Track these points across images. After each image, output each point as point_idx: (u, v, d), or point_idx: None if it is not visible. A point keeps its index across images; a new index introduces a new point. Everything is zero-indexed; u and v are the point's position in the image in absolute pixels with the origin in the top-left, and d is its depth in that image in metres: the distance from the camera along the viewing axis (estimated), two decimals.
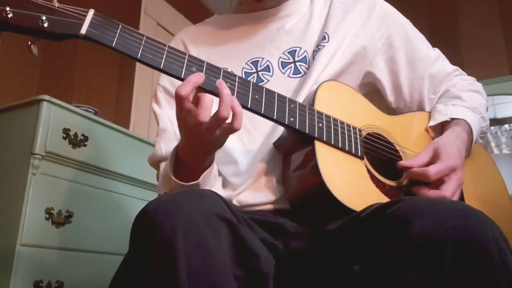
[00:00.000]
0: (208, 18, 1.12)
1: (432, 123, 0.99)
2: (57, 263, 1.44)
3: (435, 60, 1.04)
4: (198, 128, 0.71)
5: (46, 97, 1.47)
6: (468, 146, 0.93)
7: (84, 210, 1.54)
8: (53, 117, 1.48)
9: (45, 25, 0.65)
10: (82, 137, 1.56)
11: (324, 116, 0.83)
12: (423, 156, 0.87)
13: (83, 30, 0.67)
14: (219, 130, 0.72)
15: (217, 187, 0.90)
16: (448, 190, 0.82)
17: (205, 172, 0.81)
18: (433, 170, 0.82)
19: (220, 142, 0.77)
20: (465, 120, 0.95)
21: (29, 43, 0.67)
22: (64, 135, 1.51)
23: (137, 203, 1.73)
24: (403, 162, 0.87)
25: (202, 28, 1.08)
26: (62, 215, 1.47)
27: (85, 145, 1.57)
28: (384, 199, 0.82)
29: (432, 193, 0.83)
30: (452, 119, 0.96)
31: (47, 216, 1.43)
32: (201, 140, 0.75)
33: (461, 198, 0.94)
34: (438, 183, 0.84)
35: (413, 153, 0.94)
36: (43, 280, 1.39)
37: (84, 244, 1.53)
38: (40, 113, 1.45)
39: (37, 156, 1.42)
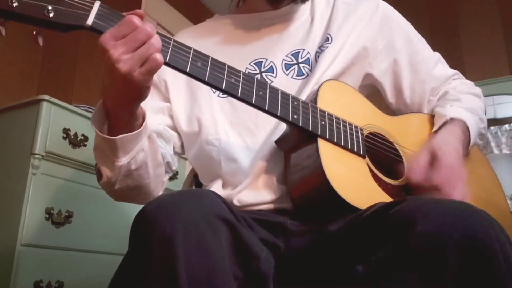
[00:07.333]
0: (209, 18, 1.11)
1: (435, 128, 0.99)
2: (57, 263, 1.44)
3: (436, 63, 1.05)
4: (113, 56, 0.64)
5: (46, 97, 1.47)
6: (464, 142, 0.94)
7: (84, 210, 1.54)
8: (53, 117, 1.48)
9: (51, 15, 0.63)
10: (82, 137, 1.56)
11: (326, 114, 0.83)
12: (422, 160, 0.86)
13: (89, 21, 0.66)
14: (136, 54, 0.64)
15: (216, 187, 0.90)
16: (451, 189, 0.82)
17: (129, 135, 0.74)
18: (435, 177, 0.83)
19: (140, 78, 0.66)
20: (461, 119, 0.96)
21: (35, 33, 0.66)
22: (64, 135, 1.51)
23: None
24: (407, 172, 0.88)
25: (204, 28, 1.08)
26: (62, 215, 1.47)
27: (85, 145, 1.57)
28: (386, 197, 0.83)
29: (435, 194, 0.82)
30: (451, 119, 0.96)
31: (47, 216, 1.43)
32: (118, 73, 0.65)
33: None
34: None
35: (412, 152, 0.94)
36: (43, 280, 1.39)
37: (84, 244, 1.53)
38: (40, 113, 1.45)
39: (37, 156, 1.42)
